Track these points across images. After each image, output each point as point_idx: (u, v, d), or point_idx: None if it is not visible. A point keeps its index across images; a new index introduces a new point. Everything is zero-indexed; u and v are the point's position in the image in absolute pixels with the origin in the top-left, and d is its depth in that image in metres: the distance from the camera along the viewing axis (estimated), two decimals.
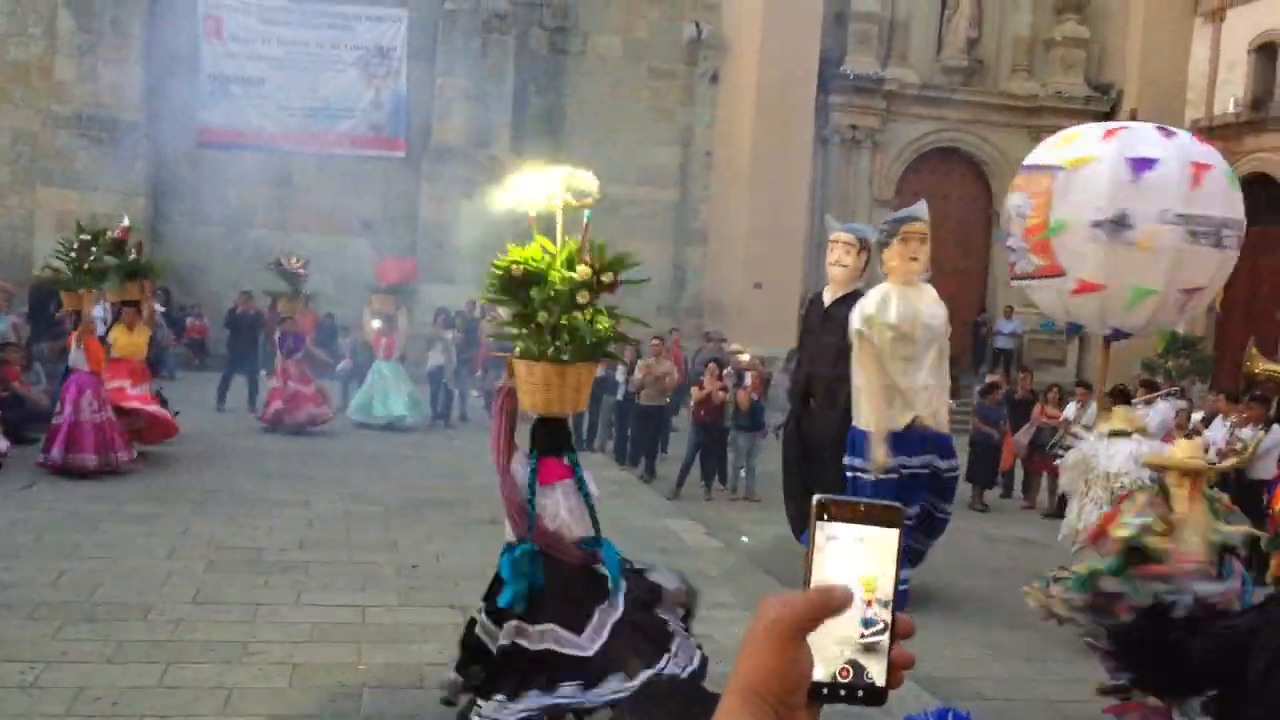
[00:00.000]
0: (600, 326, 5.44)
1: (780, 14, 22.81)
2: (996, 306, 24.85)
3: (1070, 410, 14.21)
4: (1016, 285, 9.58)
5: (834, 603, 0.97)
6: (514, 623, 5.19)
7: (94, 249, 12.58)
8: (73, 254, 12.44)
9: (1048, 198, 8.53)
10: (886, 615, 0.98)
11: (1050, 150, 8.90)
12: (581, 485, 5.58)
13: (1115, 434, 8.70)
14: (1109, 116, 24.41)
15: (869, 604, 0.98)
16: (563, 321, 5.31)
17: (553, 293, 5.28)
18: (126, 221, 14.03)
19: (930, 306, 8.92)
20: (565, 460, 5.55)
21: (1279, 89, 22.41)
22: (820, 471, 10.39)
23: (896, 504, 1.01)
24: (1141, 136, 8.58)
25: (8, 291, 15.96)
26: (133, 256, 13.47)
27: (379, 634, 7.09)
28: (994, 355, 23.88)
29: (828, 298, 10.53)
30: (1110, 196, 8.21)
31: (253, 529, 9.66)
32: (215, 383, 17.00)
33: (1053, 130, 24.56)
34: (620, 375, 15.20)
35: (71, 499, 10.35)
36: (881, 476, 8.70)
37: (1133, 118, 9.29)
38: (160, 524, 9.61)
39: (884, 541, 0.99)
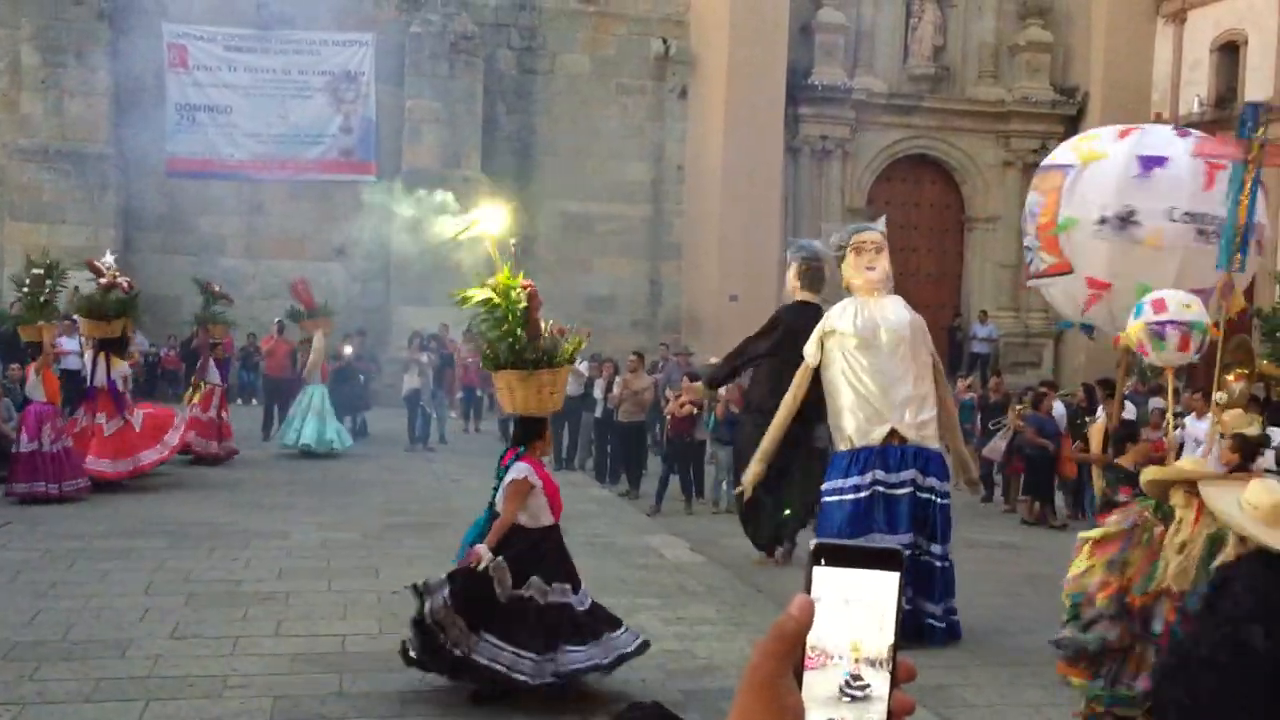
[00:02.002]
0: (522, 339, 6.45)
1: (747, 27, 22.90)
2: (971, 311, 24.96)
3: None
4: (1032, 285, 9.32)
5: (793, 625, 0.95)
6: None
7: (49, 282, 12.72)
8: (25, 288, 12.52)
9: (1057, 195, 8.44)
10: (885, 660, 0.96)
11: (1066, 150, 8.86)
12: (507, 467, 6.43)
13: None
14: (1076, 120, 24.64)
15: (865, 650, 0.95)
16: (508, 336, 6.38)
17: (498, 314, 6.38)
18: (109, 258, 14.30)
19: (896, 313, 8.68)
20: (518, 450, 6.49)
21: (1242, 87, 22.63)
22: (806, 484, 10.31)
23: (896, 547, 0.99)
24: (1156, 135, 8.57)
25: None
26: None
27: (361, 662, 7.03)
28: (970, 360, 23.97)
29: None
30: (1117, 193, 8.17)
31: (230, 561, 9.57)
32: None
33: (1021, 135, 24.96)
34: (599, 393, 15.18)
35: (46, 537, 10.24)
36: (856, 495, 8.31)
37: (1157, 120, 9.28)
38: (137, 559, 9.51)
39: (883, 586, 0.96)
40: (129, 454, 13.06)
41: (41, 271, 12.75)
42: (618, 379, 14.80)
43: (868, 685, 0.95)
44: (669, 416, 13.92)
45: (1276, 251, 21.39)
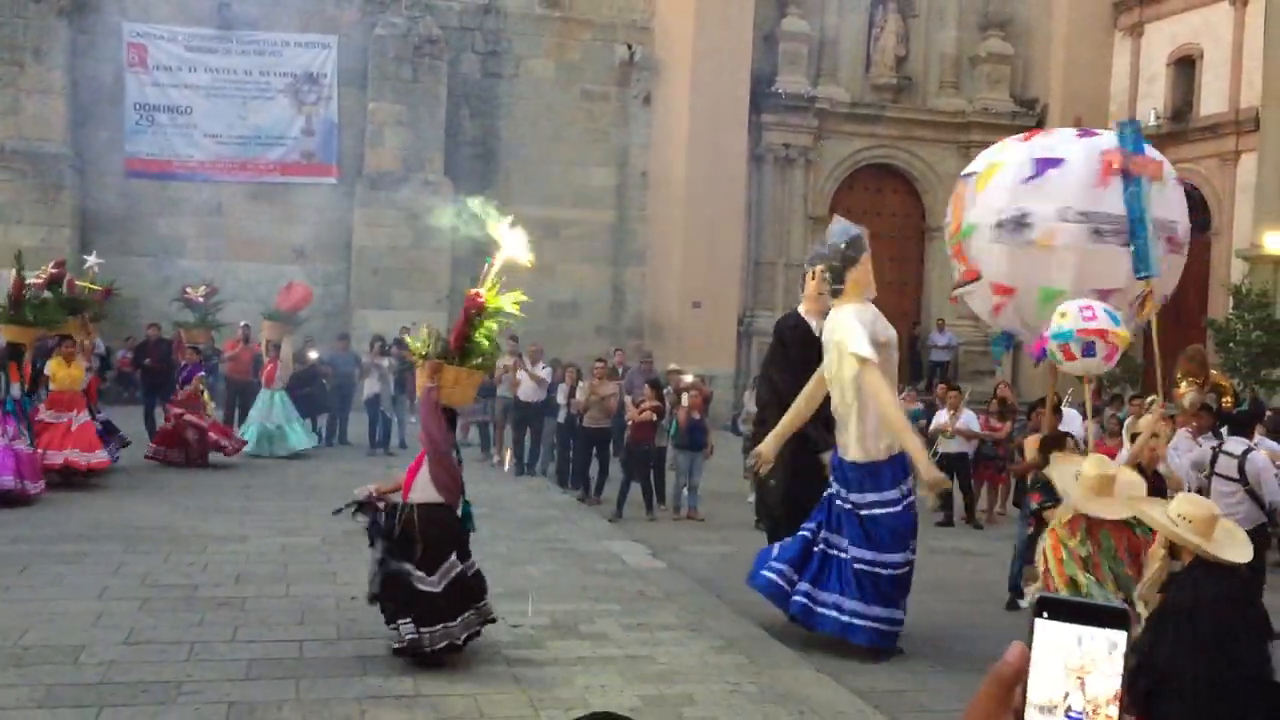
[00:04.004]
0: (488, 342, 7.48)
1: (711, 35, 23.00)
2: (930, 320, 25.16)
3: (941, 416, 14.30)
4: (957, 294, 9.19)
5: (1007, 670, 0.97)
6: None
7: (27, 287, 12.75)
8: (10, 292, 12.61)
9: (961, 202, 8.40)
10: (1106, 717, 0.96)
11: (980, 158, 8.84)
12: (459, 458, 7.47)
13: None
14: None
15: (1082, 705, 0.97)
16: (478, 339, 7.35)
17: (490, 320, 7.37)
18: (92, 260, 14.22)
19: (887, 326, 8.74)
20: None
21: (1198, 100, 22.99)
22: (812, 498, 10.12)
23: (1124, 606, 1.00)
24: (1057, 138, 8.58)
25: None
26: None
27: (318, 668, 6.98)
28: (930, 368, 24.15)
29: (815, 325, 10.07)
30: (1011, 195, 8.01)
31: (187, 565, 9.47)
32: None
33: (982, 145, 25.10)
34: (562, 398, 15.16)
35: None
36: (900, 505, 8.20)
37: (1076, 123, 9.19)
38: (91, 563, 9.39)
39: (1106, 644, 0.97)
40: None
41: (33, 276, 12.78)
42: (581, 384, 14.78)
43: None
44: (630, 423, 13.93)
45: (1229, 262, 21.76)
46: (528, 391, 15.80)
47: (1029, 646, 0.98)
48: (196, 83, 21.91)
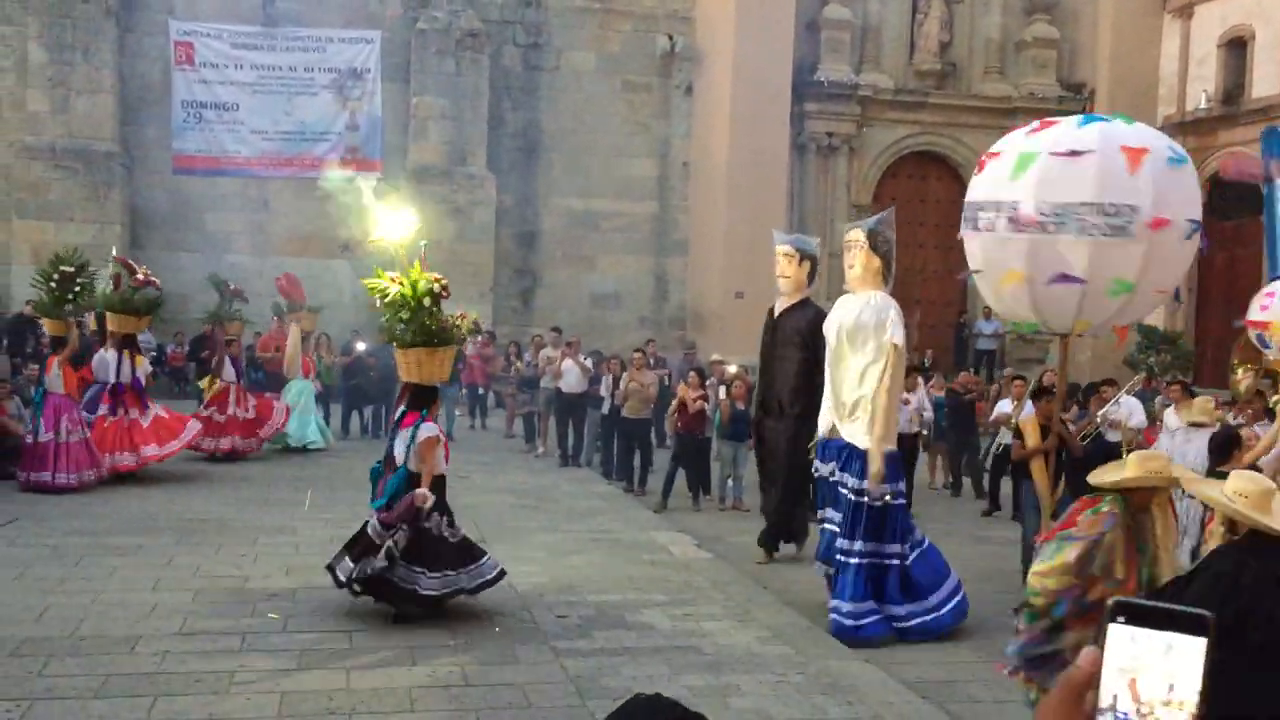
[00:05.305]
0: (432, 321, 7.87)
1: (752, 23, 22.88)
2: (977, 308, 24.91)
3: (1005, 405, 13.92)
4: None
5: (1079, 675, 0.97)
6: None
7: (79, 280, 12.93)
8: (53, 284, 12.76)
9: None
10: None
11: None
12: (415, 429, 7.84)
13: (1195, 425, 8.48)
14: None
15: (1157, 713, 0.95)
16: (422, 320, 7.82)
17: (408, 302, 7.84)
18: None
19: (849, 312, 8.82)
20: (420, 414, 7.94)
21: (1249, 82, 22.58)
22: (774, 479, 10.81)
23: (1205, 613, 0.96)
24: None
25: None
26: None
27: (368, 658, 7.05)
28: (976, 356, 23.95)
29: (778, 309, 10.85)
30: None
31: (238, 557, 9.60)
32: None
33: None
34: (605, 389, 15.18)
35: (54, 533, 10.27)
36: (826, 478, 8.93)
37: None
38: (144, 555, 9.54)
39: (1162, 645, 0.95)
40: (136, 447, 13.25)
41: (72, 269, 12.97)
42: (624, 376, 14.80)
43: None
44: (674, 415, 13.90)
45: None
46: (570, 383, 15.85)
47: (1101, 651, 0.96)
48: (242, 79, 22.15)
